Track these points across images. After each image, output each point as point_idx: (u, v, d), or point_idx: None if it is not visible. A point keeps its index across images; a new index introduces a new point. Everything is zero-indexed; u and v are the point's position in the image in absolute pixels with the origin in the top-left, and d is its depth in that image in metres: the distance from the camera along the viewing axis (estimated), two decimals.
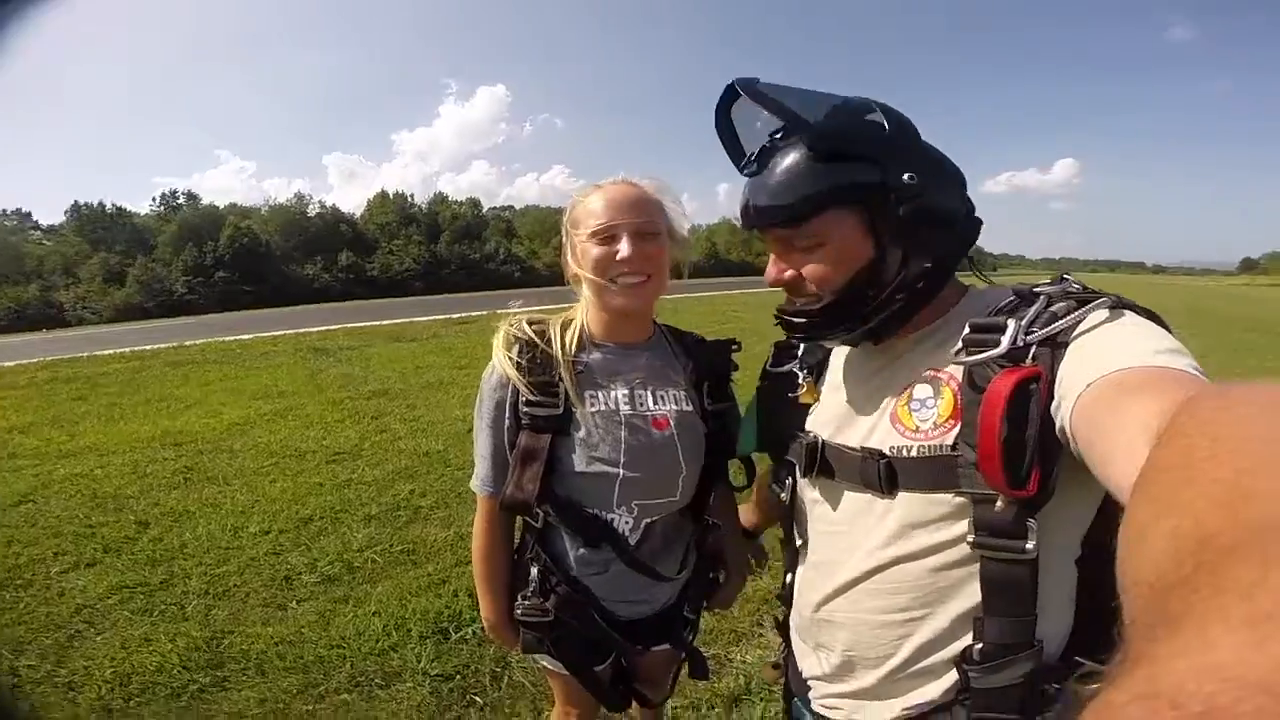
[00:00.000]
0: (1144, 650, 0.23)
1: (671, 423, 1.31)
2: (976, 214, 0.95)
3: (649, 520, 1.32)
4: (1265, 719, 0.17)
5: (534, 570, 1.35)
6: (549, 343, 1.29)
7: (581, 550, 1.32)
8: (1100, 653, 0.84)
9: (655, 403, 1.32)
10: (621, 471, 1.26)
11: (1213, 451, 0.34)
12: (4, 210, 58.49)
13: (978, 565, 0.83)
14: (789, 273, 0.93)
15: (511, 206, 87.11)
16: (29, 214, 59.48)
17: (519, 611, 1.36)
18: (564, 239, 1.33)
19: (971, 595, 0.85)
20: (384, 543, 3.81)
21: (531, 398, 1.26)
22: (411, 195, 70.75)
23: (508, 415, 1.30)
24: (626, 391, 1.30)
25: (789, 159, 0.88)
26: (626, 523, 1.30)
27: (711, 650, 2.64)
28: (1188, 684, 0.19)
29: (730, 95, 0.95)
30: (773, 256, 0.95)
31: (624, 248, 1.22)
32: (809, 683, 1.06)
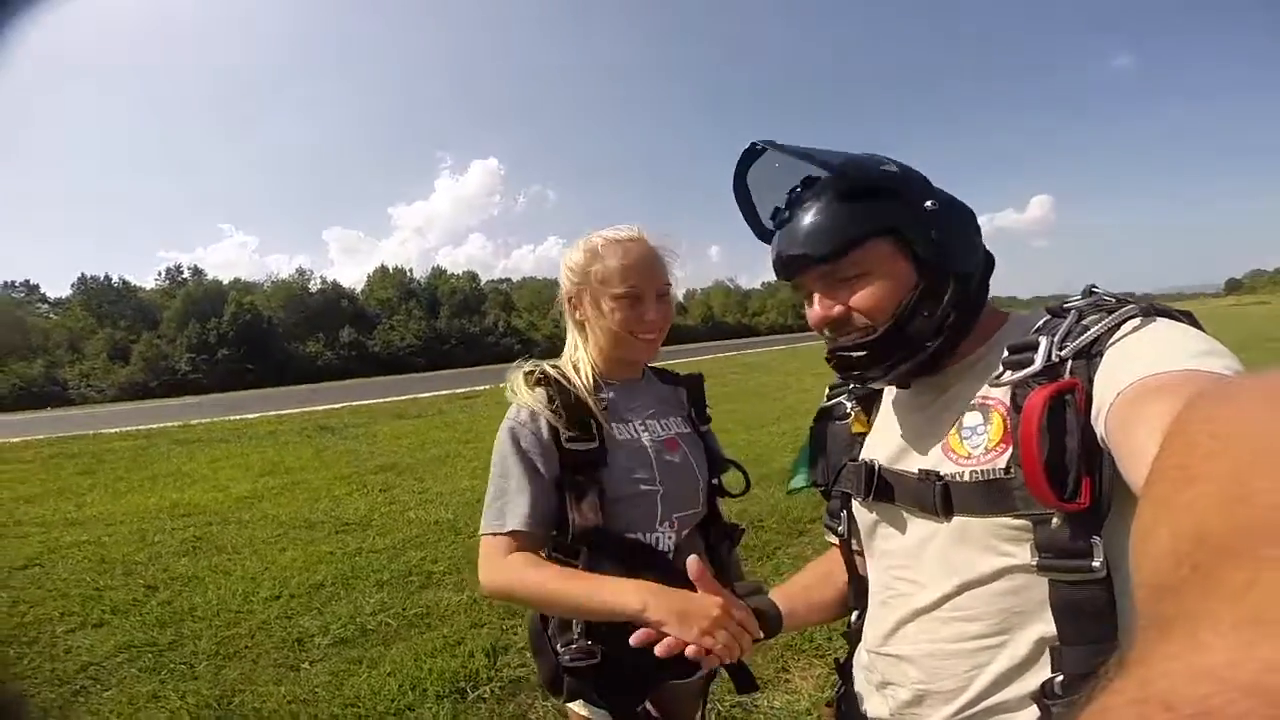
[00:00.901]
0: (1138, 653, 0.23)
1: (682, 444, 1.43)
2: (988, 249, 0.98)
3: (685, 533, 1.40)
4: None
5: None
6: (574, 385, 1.37)
7: None
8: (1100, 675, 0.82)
9: (663, 429, 1.43)
10: (660, 489, 1.35)
11: (1212, 449, 0.33)
12: (12, 282, 59.36)
13: (1048, 590, 0.81)
14: (837, 308, 0.93)
15: (509, 279, 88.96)
16: (36, 285, 60.46)
17: (566, 657, 1.33)
18: (573, 283, 1.40)
19: (1048, 622, 0.81)
20: (396, 607, 3.80)
21: (570, 434, 1.31)
22: (410, 270, 72.39)
23: (550, 451, 1.32)
24: (641, 422, 1.41)
25: (821, 201, 0.92)
26: (669, 538, 1.37)
27: (738, 698, 2.62)
28: (1180, 687, 0.20)
29: (748, 159, 1.01)
30: (816, 297, 0.95)
31: (652, 311, 1.36)
32: None
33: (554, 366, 1.42)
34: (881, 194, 0.91)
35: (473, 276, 76.31)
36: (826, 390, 1.23)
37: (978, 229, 0.96)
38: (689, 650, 0.99)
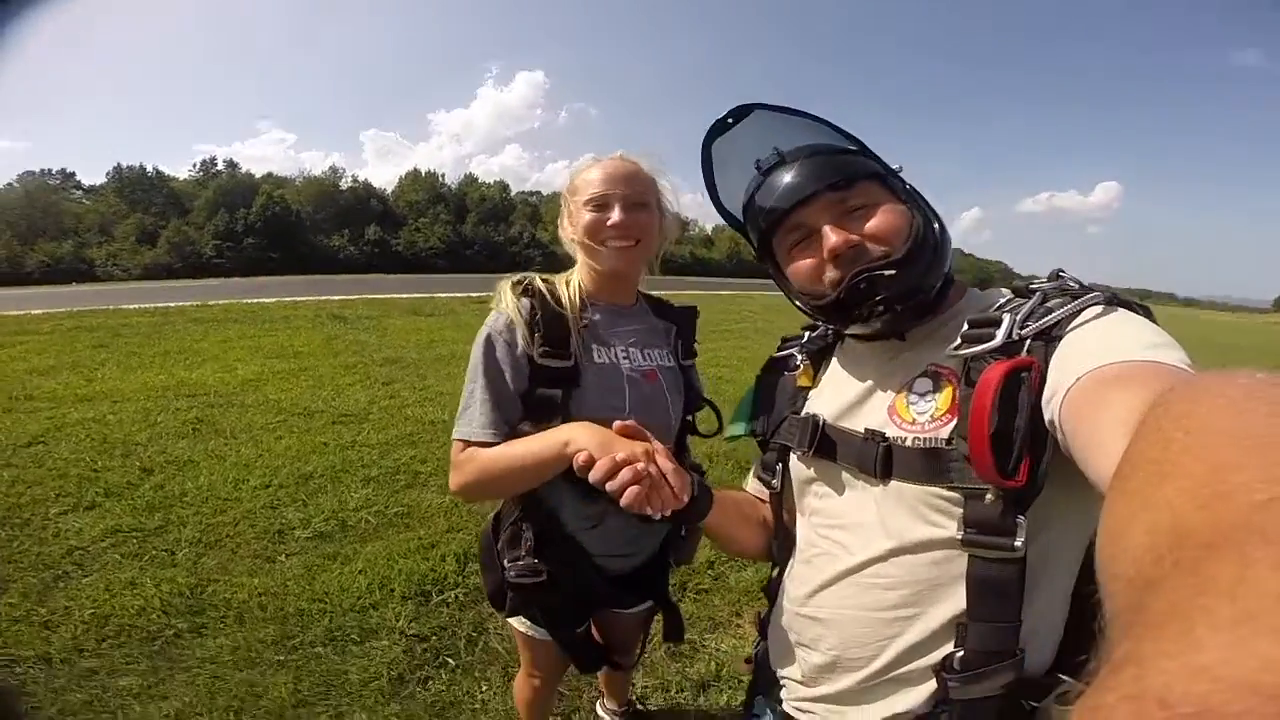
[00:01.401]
0: (1128, 650, 0.22)
1: (660, 376, 1.42)
2: None
3: None
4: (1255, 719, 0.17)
5: (527, 530, 1.37)
6: (559, 301, 1.35)
7: (578, 504, 1.35)
8: (1085, 672, 0.79)
9: (645, 359, 1.42)
10: (630, 419, 1.28)
11: (1187, 445, 0.33)
12: (49, 169, 59.81)
13: (966, 565, 0.82)
14: (854, 236, 0.91)
15: (539, 192, 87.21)
16: (73, 174, 60.93)
17: (512, 573, 1.36)
18: (562, 207, 1.44)
19: (960, 598, 0.83)
20: (379, 504, 3.82)
21: (546, 350, 1.30)
22: (443, 175, 71.51)
23: (520, 364, 1.30)
24: (623, 348, 1.40)
25: (814, 149, 0.96)
26: None
27: (686, 636, 2.61)
28: (1176, 685, 0.19)
29: (719, 128, 1.02)
30: (827, 229, 0.91)
31: (615, 214, 1.33)
32: (784, 683, 1.04)
33: (545, 280, 1.40)
34: (864, 152, 0.97)
35: (503, 186, 75.06)
36: (779, 341, 1.22)
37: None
38: (624, 497, 0.94)
